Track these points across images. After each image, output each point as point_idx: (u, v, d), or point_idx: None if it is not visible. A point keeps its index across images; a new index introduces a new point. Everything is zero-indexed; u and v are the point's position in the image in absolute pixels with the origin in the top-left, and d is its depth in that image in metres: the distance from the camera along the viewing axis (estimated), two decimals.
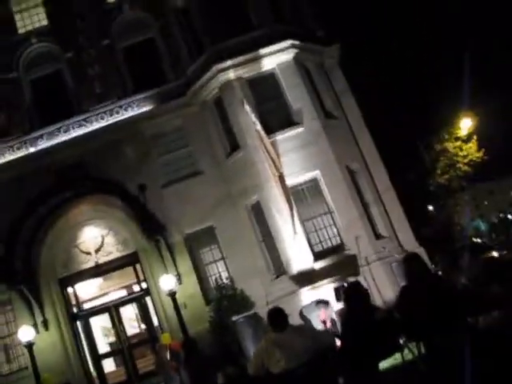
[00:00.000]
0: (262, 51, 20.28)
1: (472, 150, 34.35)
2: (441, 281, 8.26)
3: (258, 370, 7.32)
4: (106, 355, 21.92)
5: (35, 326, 19.30)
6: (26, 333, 18.48)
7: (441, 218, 35.87)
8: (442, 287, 7.84)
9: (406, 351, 8.20)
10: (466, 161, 34.17)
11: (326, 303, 16.31)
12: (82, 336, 20.95)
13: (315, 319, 15.61)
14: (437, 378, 7.07)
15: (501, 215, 67.06)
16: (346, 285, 15.95)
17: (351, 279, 16.88)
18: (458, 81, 32.59)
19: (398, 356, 8.36)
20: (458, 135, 34.74)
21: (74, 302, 21.39)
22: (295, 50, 20.67)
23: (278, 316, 7.45)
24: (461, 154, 34.37)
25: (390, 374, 8.61)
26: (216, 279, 19.72)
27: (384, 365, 8.29)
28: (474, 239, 39.36)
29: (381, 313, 8.35)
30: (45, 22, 23.30)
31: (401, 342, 8.12)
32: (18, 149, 21.48)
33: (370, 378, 7.71)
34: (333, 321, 15.44)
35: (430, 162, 35.51)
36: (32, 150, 21.41)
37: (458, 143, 34.58)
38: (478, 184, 54.35)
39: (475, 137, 34.73)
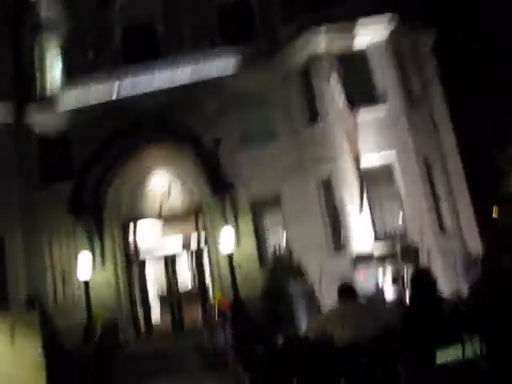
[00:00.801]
0: (357, 27, 19.85)
1: None
2: None
3: (318, 335, 7.23)
4: (155, 302, 22.37)
5: (93, 261, 19.88)
6: (84, 266, 19.08)
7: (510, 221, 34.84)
8: None
9: (466, 347, 8.03)
10: None
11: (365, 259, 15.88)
12: (136, 280, 21.43)
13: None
14: (498, 378, 6.92)
15: None
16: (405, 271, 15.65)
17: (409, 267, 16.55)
18: None
19: (457, 351, 8.19)
20: None
21: (132, 246, 21.82)
22: (390, 30, 20.17)
23: (347, 289, 7.41)
24: None
25: (447, 367, 8.43)
26: (274, 246, 19.74)
27: (442, 359, 8.13)
28: None
29: (446, 304, 8.19)
30: None
31: (463, 337, 7.95)
32: (102, 90, 21.87)
33: (427, 367, 7.60)
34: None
35: (508, 163, 34.38)
36: (114, 92, 21.76)
37: None
38: None
39: None
